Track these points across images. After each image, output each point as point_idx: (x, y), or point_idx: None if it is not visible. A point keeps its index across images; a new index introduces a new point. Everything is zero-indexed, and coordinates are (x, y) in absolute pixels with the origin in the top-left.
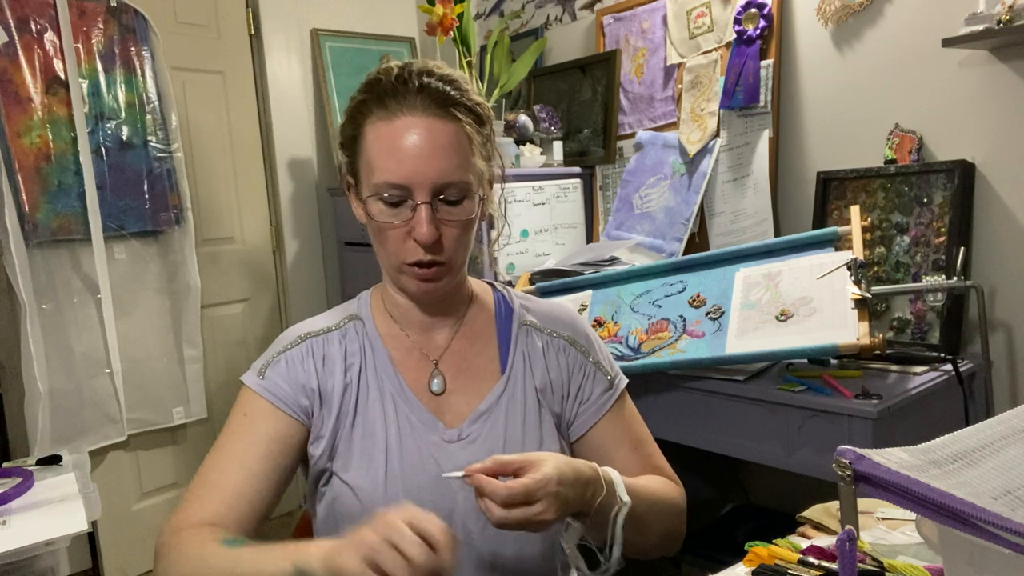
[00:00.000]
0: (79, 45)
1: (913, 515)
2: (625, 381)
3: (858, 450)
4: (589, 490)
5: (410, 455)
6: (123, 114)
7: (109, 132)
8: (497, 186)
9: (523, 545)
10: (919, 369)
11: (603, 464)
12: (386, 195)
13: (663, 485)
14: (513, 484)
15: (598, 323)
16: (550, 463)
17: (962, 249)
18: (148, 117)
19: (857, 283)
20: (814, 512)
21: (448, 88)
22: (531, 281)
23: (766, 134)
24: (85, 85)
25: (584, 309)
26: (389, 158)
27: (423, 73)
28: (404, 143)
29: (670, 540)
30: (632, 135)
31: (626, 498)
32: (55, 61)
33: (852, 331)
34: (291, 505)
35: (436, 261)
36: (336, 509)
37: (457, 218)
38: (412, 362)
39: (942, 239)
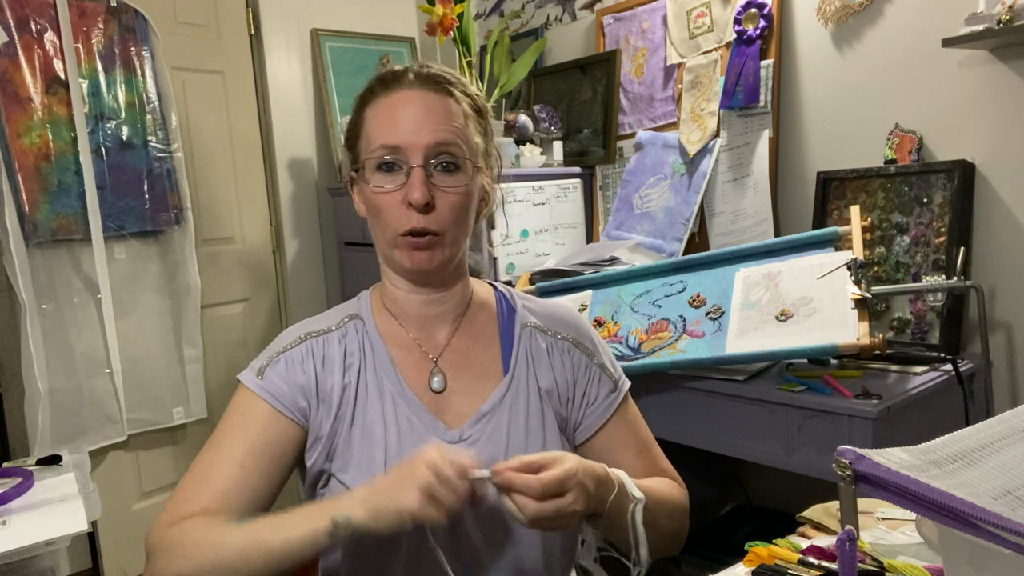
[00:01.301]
0: (79, 45)
1: (913, 515)
2: (628, 384)
3: (858, 450)
4: (603, 487)
5: (409, 456)
6: (123, 114)
7: (109, 132)
8: (497, 188)
9: (522, 549)
10: (919, 369)
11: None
12: (384, 159)
13: (666, 486)
14: (545, 476)
15: (598, 323)
16: (571, 457)
17: (962, 249)
18: (148, 117)
19: (857, 283)
20: (814, 512)
21: (446, 74)
22: (531, 281)
23: (766, 134)
24: (85, 85)
25: (584, 309)
26: (385, 125)
27: (423, 65)
28: (400, 110)
29: (673, 541)
30: (632, 135)
31: (638, 494)
32: (55, 61)
33: (852, 331)
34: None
35: (429, 230)
36: None
37: (452, 185)
38: (412, 360)
39: (942, 239)
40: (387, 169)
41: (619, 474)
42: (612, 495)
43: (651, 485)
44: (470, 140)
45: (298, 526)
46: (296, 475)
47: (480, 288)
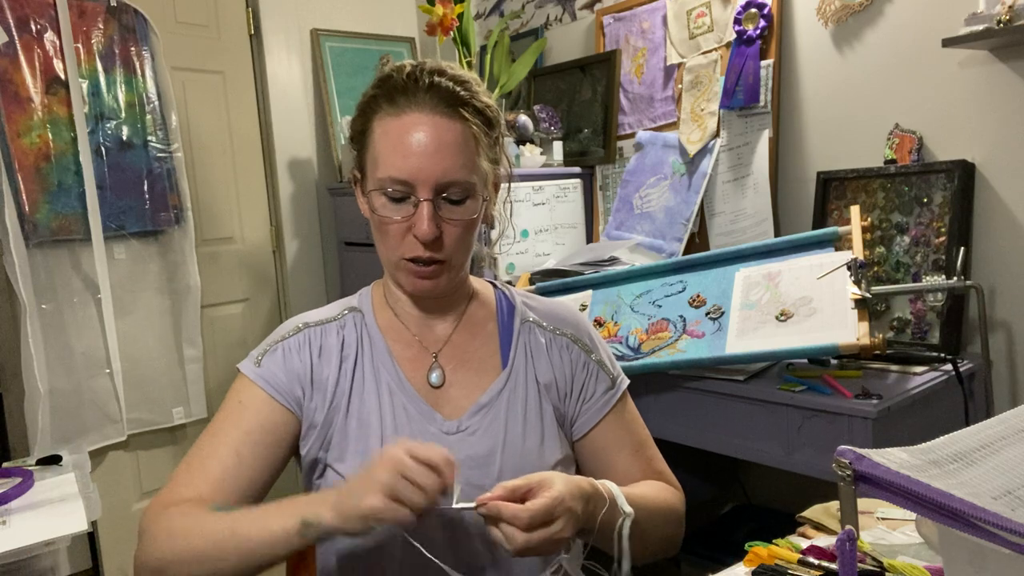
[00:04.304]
0: (79, 45)
1: (913, 515)
2: (627, 382)
3: (858, 450)
4: (591, 505)
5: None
6: (123, 114)
7: (109, 132)
8: (503, 188)
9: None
10: (919, 369)
11: (605, 467)
12: (389, 190)
13: (662, 492)
14: (532, 505)
15: (598, 323)
16: (558, 481)
17: (962, 249)
18: (148, 117)
19: (857, 283)
20: (814, 512)
21: (458, 88)
22: (531, 281)
23: (766, 134)
24: (85, 85)
25: (584, 309)
26: (394, 153)
27: (435, 72)
28: (410, 139)
29: (668, 546)
30: (632, 135)
31: (628, 509)
32: (55, 61)
33: (852, 331)
34: None
35: (435, 259)
36: None
37: (459, 217)
38: (411, 354)
39: (942, 239)
40: (394, 199)
41: (610, 487)
42: (603, 511)
43: (646, 492)
44: (479, 168)
45: (272, 522)
46: (294, 463)
47: (480, 285)
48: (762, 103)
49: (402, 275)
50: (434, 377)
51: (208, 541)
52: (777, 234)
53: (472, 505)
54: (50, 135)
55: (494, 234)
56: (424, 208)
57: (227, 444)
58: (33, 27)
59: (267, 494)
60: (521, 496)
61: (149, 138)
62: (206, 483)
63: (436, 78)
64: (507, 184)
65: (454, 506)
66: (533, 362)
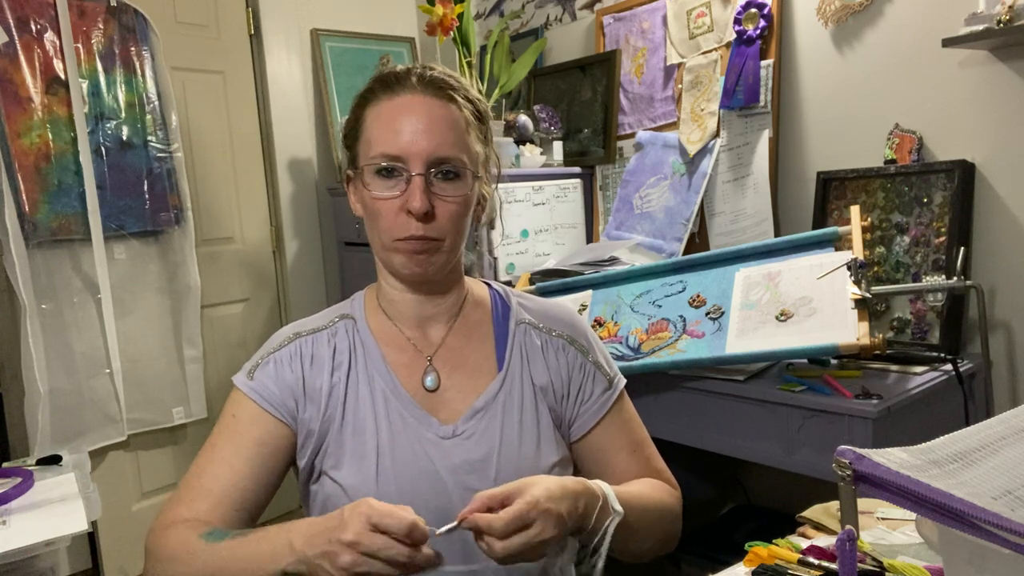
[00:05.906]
0: (79, 45)
1: (913, 515)
2: (624, 382)
3: (858, 450)
4: (581, 503)
5: (402, 451)
6: (123, 114)
7: (109, 132)
8: (494, 188)
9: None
10: (919, 369)
11: (603, 467)
12: (383, 165)
13: (658, 491)
14: (504, 514)
15: (598, 323)
16: (536, 485)
17: (962, 249)
18: (148, 117)
19: (857, 283)
20: (814, 512)
21: (448, 79)
22: (531, 281)
23: (766, 134)
24: (85, 85)
25: (584, 309)
26: (387, 131)
27: (426, 67)
28: (402, 117)
29: (664, 544)
30: (632, 135)
31: (619, 508)
32: (55, 61)
33: (852, 331)
34: (292, 505)
35: (428, 237)
36: (329, 510)
37: (451, 194)
38: (405, 359)
39: (942, 239)
40: (387, 175)
41: (603, 487)
42: (596, 509)
43: (641, 491)
44: (471, 149)
45: (255, 563)
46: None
47: (475, 287)
48: (762, 103)
49: (396, 258)
50: (429, 381)
51: (198, 572)
52: (777, 234)
53: (454, 524)
54: (50, 135)
55: (494, 235)
56: (416, 182)
57: (222, 459)
58: (33, 27)
59: (268, 504)
60: (500, 504)
61: (149, 138)
62: (203, 500)
63: (428, 71)
64: (496, 185)
65: (438, 532)
66: (529, 364)
